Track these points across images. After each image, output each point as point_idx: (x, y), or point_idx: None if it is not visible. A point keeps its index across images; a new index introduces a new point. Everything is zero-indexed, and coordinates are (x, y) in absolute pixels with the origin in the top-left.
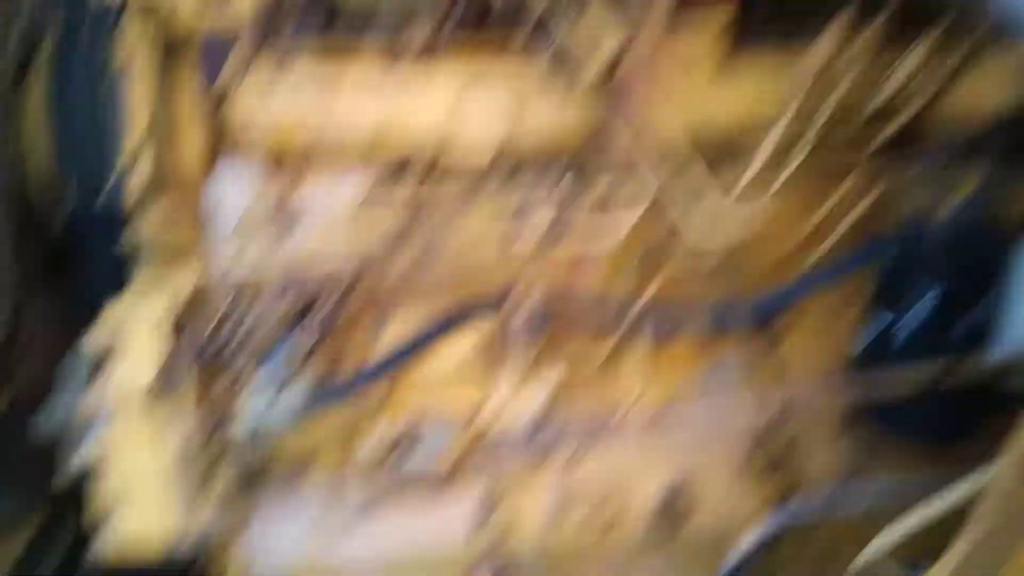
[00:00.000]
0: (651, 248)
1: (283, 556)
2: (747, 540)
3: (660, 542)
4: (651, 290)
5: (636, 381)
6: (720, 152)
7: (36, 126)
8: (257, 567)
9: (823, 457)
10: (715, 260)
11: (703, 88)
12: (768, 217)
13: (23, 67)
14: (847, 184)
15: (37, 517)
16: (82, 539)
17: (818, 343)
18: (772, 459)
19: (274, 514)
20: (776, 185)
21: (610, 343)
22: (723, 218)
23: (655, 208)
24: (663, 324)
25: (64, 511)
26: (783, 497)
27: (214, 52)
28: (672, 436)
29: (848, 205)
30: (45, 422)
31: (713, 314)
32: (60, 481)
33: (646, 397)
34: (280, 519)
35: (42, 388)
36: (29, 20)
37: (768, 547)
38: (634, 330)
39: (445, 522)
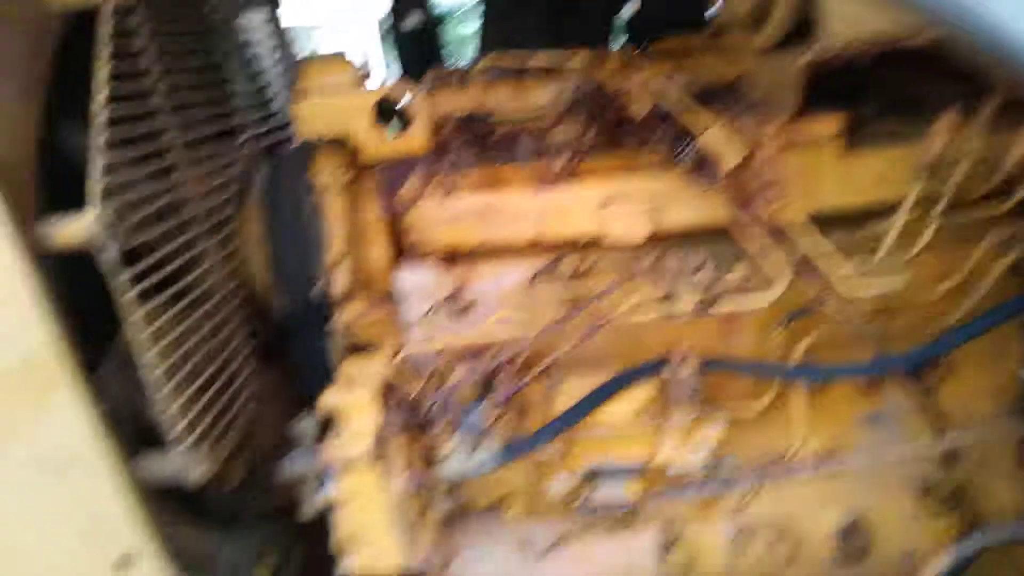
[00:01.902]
0: (802, 308)
1: None
2: (935, 567)
3: (846, 566)
4: (803, 346)
5: (800, 427)
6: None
7: (255, 241)
8: None
9: (1003, 493)
10: (865, 315)
11: (826, 178)
12: (914, 273)
13: (242, 196)
14: (986, 242)
15: (279, 553)
16: None
17: (980, 385)
18: (948, 496)
19: (475, 550)
20: (916, 249)
21: (770, 394)
22: (872, 272)
23: (801, 272)
24: (818, 376)
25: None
26: (963, 532)
27: (394, 175)
28: (843, 476)
29: (990, 260)
30: (282, 476)
31: (870, 365)
32: (287, 531)
33: (812, 441)
34: (480, 555)
35: (273, 453)
36: (246, 158)
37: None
38: (791, 383)
39: (629, 556)
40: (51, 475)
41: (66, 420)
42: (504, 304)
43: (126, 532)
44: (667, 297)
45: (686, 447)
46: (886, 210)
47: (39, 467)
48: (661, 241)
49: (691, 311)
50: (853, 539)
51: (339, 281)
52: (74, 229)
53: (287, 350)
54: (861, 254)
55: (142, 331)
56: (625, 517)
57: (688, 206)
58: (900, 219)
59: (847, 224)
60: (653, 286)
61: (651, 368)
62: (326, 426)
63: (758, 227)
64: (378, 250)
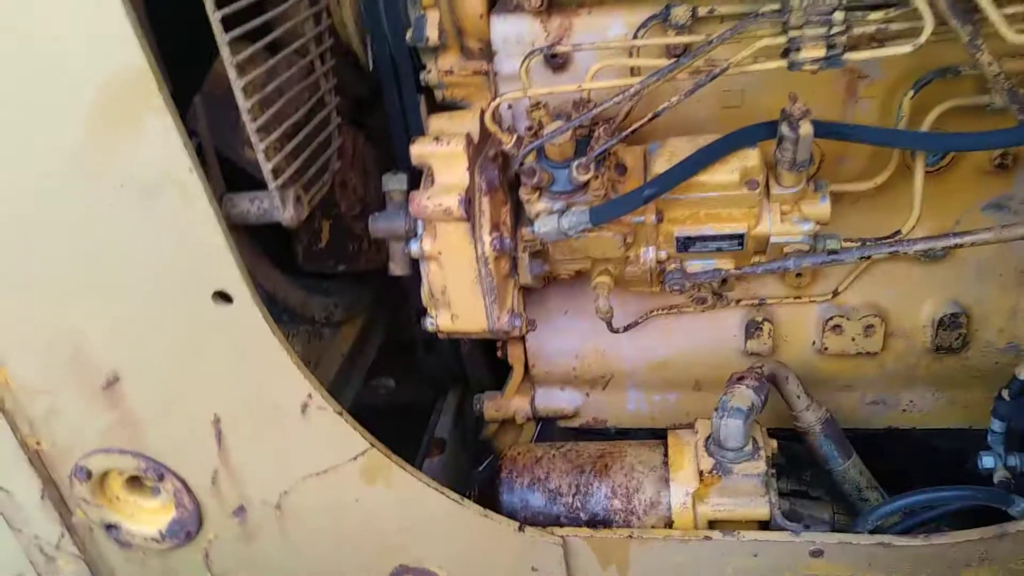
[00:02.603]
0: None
1: (566, 352)
2: None
3: (940, 358)
4: (933, 116)
5: (916, 205)
6: None
7: None
8: (543, 359)
9: None
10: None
11: None
12: None
13: None
14: None
15: (363, 315)
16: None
17: None
18: None
19: (558, 319)
20: None
21: (889, 169)
22: None
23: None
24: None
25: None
26: None
27: None
28: (951, 264)
29: None
30: (372, 229)
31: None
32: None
33: (926, 224)
34: (563, 324)
35: (361, 214)
36: None
37: None
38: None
39: (714, 333)
40: (146, 198)
41: (159, 143)
42: (605, 56)
43: (219, 268)
44: (789, 48)
45: (790, 219)
46: None
47: (134, 188)
48: None
49: (815, 62)
50: (952, 330)
51: (431, 31)
52: None
53: (376, 106)
54: None
55: (235, 71)
56: (714, 293)
57: None
58: None
59: None
60: (773, 34)
61: (763, 129)
62: (414, 184)
63: None
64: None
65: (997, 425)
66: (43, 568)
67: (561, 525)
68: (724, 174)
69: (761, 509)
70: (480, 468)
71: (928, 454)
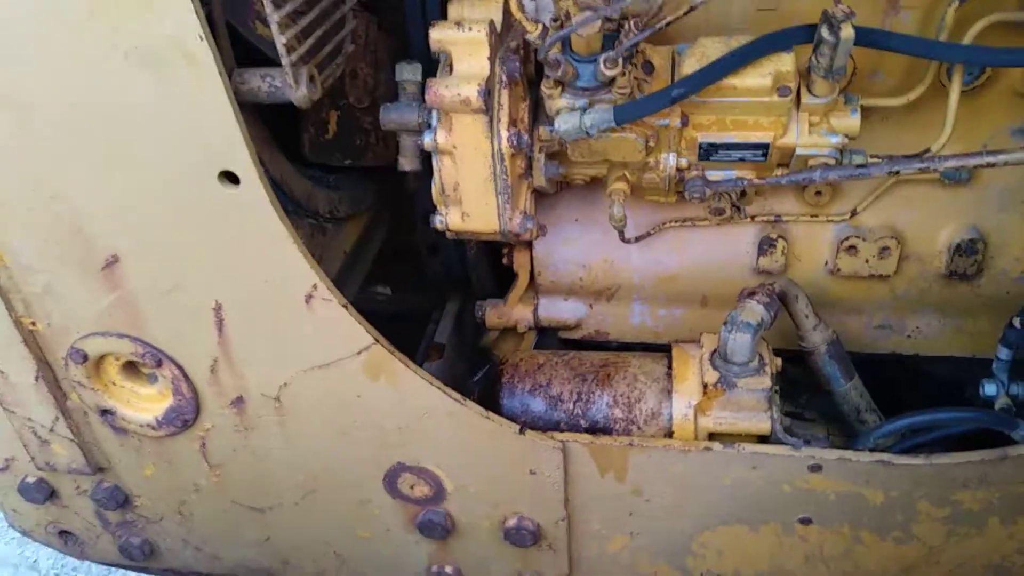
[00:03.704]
0: None
1: (574, 261)
2: None
3: (951, 284)
4: (975, 30)
5: (949, 123)
6: None
7: None
8: (550, 268)
9: None
10: None
11: None
12: None
13: None
14: None
15: (367, 214)
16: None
17: None
18: None
19: (571, 224)
20: None
21: (924, 83)
22: None
23: None
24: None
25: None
26: None
27: None
28: (973, 189)
29: None
30: (383, 120)
31: None
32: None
33: (955, 144)
34: (575, 231)
35: (373, 96)
36: None
37: None
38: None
39: (727, 248)
40: (153, 68)
41: (168, 6)
42: None
43: (227, 147)
44: None
45: (818, 131)
46: None
47: (141, 57)
48: None
49: None
50: (968, 255)
51: None
52: None
53: None
54: None
55: None
56: (733, 205)
57: None
58: None
59: None
60: None
61: (802, 31)
62: (429, 76)
63: None
64: None
65: (1004, 353)
66: (36, 451)
67: (561, 431)
68: (756, 78)
69: (763, 424)
70: (475, 377)
71: (926, 382)
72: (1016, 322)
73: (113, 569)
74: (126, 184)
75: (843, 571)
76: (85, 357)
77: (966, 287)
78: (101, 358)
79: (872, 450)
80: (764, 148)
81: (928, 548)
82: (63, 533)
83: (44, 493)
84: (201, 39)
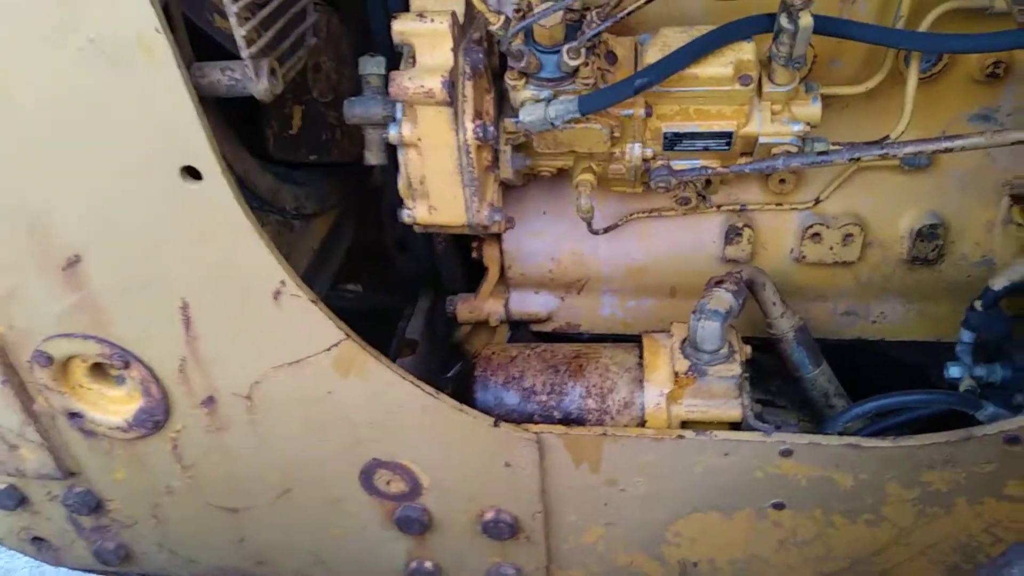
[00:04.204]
0: None
1: (543, 254)
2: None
3: (914, 269)
4: (932, 17)
5: (907, 109)
6: None
7: None
8: (520, 261)
9: None
10: None
11: None
12: None
13: None
14: None
15: (336, 210)
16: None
17: None
18: None
19: (537, 217)
20: None
21: (882, 72)
22: None
23: None
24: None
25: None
26: None
27: None
28: (932, 175)
29: None
30: (348, 114)
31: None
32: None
33: (914, 131)
34: (542, 223)
35: (337, 90)
36: None
37: None
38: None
39: (694, 237)
40: (111, 62)
41: (127, 6)
42: None
43: (187, 141)
44: None
45: (780, 119)
46: None
47: (98, 50)
48: None
49: None
50: (929, 241)
51: None
52: None
53: None
54: None
55: None
56: (699, 194)
57: None
58: None
59: None
60: None
61: (762, 20)
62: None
63: None
64: None
65: (967, 336)
66: (5, 456)
67: (535, 423)
68: (718, 67)
69: (734, 411)
70: (448, 374)
71: (891, 367)
72: (977, 305)
73: (89, 574)
74: (86, 181)
75: (816, 555)
76: (50, 360)
77: (928, 272)
78: (67, 360)
79: (841, 434)
80: (728, 137)
81: (898, 529)
82: (36, 539)
83: (15, 499)
84: (158, 31)
